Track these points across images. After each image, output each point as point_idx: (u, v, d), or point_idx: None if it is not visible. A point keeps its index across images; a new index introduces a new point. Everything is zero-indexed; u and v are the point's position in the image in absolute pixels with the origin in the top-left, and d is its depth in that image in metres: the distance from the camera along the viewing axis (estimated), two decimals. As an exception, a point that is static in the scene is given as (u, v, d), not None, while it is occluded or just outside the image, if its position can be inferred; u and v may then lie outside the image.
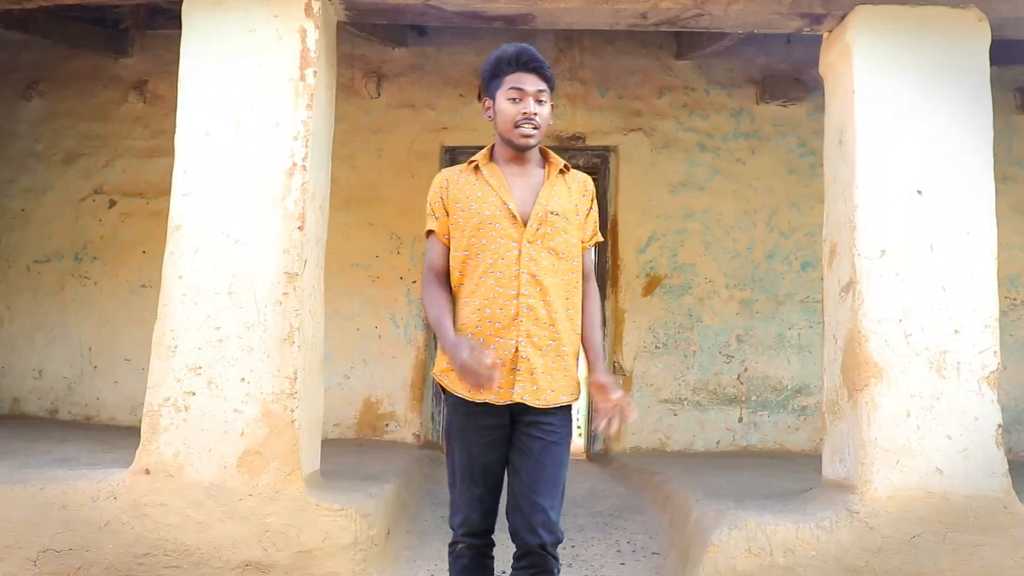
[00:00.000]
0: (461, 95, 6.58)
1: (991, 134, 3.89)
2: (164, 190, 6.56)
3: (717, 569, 3.60)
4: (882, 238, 3.78)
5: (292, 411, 3.72)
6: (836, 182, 4.06)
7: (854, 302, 3.79)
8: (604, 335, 2.87)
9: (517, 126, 2.71)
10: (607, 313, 6.39)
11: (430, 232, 2.84)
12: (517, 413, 2.69)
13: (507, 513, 2.70)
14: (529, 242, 2.68)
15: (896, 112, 3.85)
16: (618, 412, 2.64)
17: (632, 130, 6.56)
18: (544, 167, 2.84)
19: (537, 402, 2.64)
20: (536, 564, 2.63)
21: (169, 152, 6.53)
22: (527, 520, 2.63)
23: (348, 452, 5.34)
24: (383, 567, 3.84)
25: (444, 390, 2.78)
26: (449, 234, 2.80)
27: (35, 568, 3.74)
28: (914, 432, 3.66)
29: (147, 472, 3.77)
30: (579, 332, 2.79)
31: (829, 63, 4.18)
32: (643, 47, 6.63)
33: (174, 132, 6.50)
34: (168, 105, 6.68)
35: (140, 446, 3.81)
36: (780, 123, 6.56)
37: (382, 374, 6.33)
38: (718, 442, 6.31)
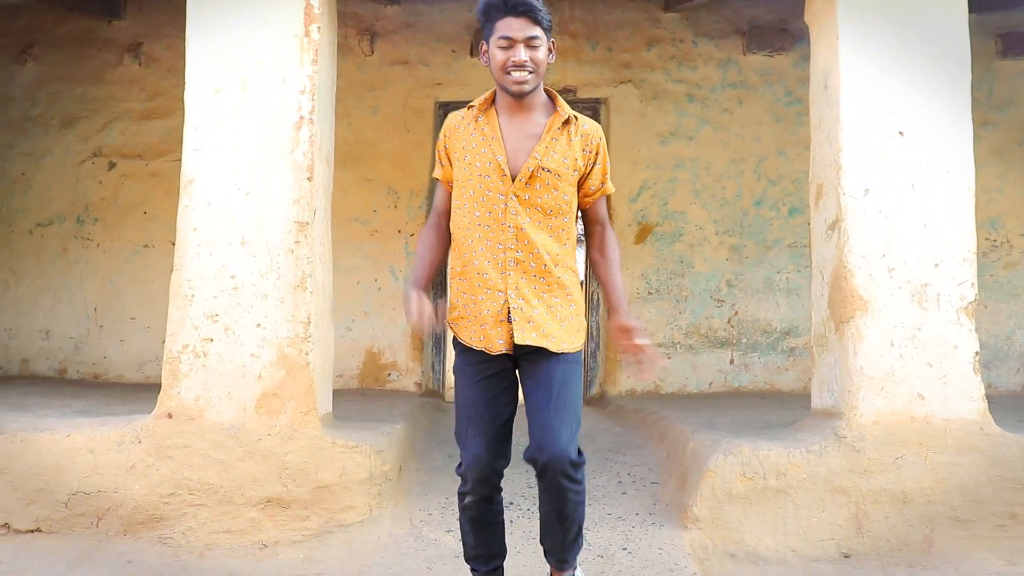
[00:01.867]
0: (454, 51, 6.69)
1: (969, 78, 4.05)
2: (163, 151, 6.78)
3: (714, 492, 3.82)
4: (866, 177, 3.96)
5: (307, 354, 3.90)
6: (822, 125, 4.23)
7: (839, 239, 3.98)
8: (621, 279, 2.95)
9: (507, 72, 2.68)
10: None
11: (436, 178, 2.96)
12: (520, 358, 2.78)
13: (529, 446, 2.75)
14: (516, 196, 2.71)
15: (879, 57, 4.01)
16: (649, 360, 2.76)
17: (622, 82, 6.69)
18: (548, 116, 2.79)
19: (546, 343, 2.71)
20: (550, 483, 2.71)
21: (166, 113, 6.78)
22: (537, 440, 2.70)
23: (354, 400, 5.54)
24: (397, 501, 4.04)
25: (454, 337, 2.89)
26: (452, 180, 2.88)
27: (66, 510, 3.94)
28: (897, 360, 3.87)
29: (169, 416, 3.94)
30: (578, 283, 2.85)
31: (814, 11, 4.32)
32: (631, 0, 6.75)
33: (170, 93, 6.72)
34: (163, 67, 6.84)
35: (162, 391, 3.98)
36: (767, 73, 6.71)
37: (383, 326, 6.51)
38: (710, 384, 6.53)
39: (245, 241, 3.94)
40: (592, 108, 6.73)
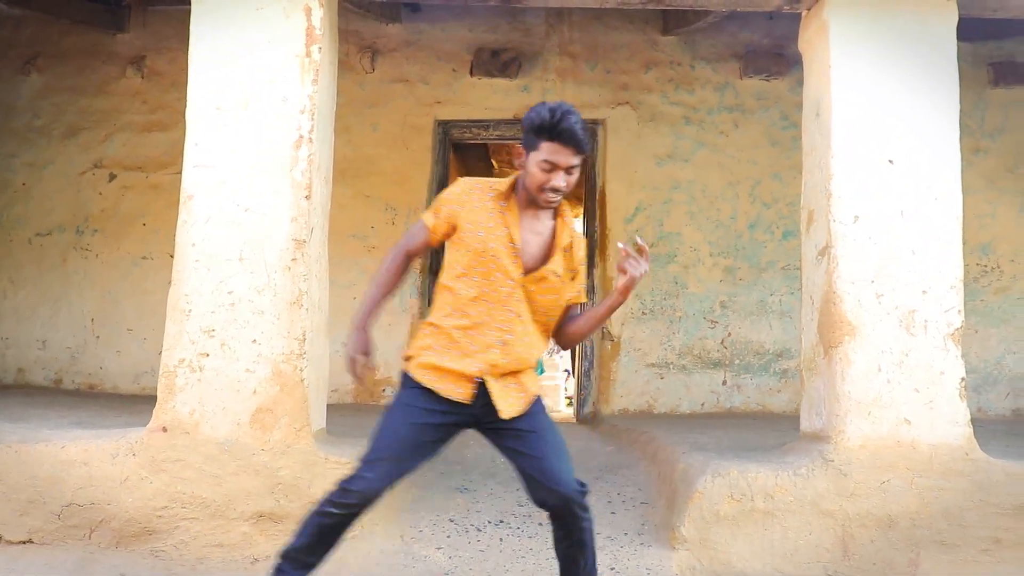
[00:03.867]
0: (454, 70, 6.77)
1: (957, 107, 4.12)
2: (163, 164, 6.84)
3: (701, 514, 3.86)
4: (856, 204, 4.02)
5: (301, 371, 3.94)
6: (813, 152, 4.29)
7: (829, 265, 4.03)
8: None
9: (543, 191, 2.77)
10: (596, 281, 6.65)
11: (425, 225, 2.94)
12: (485, 420, 2.85)
13: (529, 491, 2.85)
14: (523, 287, 2.82)
15: (869, 86, 4.08)
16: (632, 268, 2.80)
17: (620, 104, 6.77)
18: (555, 217, 2.91)
19: (516, 411, 2.82)
20: (564, 518, 2.83)
21: (167, 126, 6.84)
22: (546, 484, 2.79)
23: (348, 415, 5.57)
24: (388, 518, 4.07)
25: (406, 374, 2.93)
26: (444, 241, 2.93)
27: (59, 521, 3.96)
28: (884, 385, 3.92)
29: (164, 430, 3.98)
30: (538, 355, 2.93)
31: (808, 39, 4.39)
32: (630, 23, 6.83)
33: (172, 107, 6.79)
34: (166, 80, 6.91)
35: (157, 405, 4.01)
36: (763, 97, 6.78)
37: (378, 341, 6.44)
38: (703, 404, 6.57)
39: (243, 257, 3.98)
40: (590, 129, 6.80)
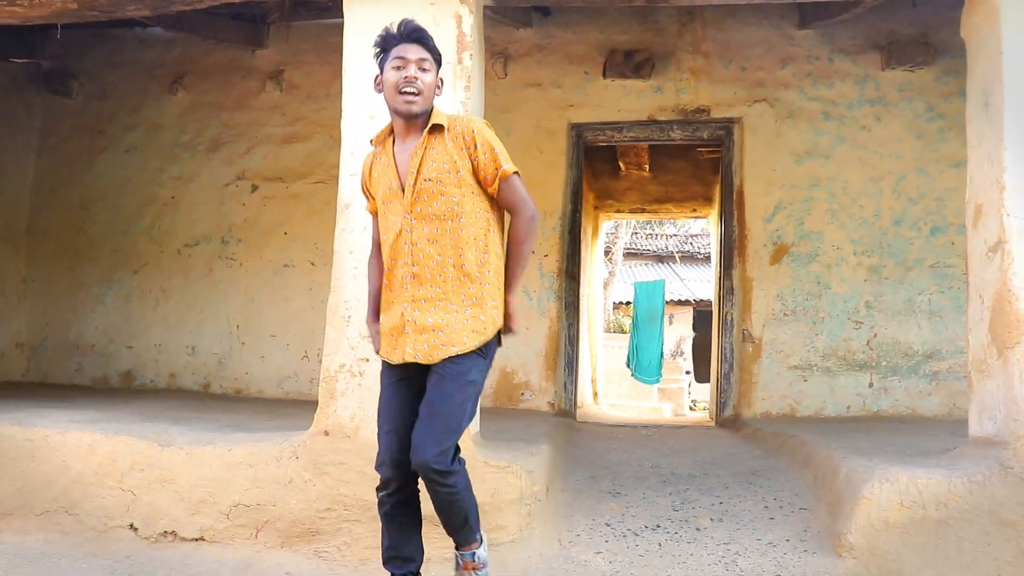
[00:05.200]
0: (586, 72, 6.75)
1: None
2: (302, 174, 7.04)
3: (870, 521, 3.73)
4: (1031, 198, 3.82)
5: (459, 375, 3.97)
6: (981, 144, 4.10)
7: (1003, 262, 3.84)
8: (523, 266, 3.08)
9: (400, 92, 2.91)
10: (735, 282, 6.53)
11: (367, 210, 3.24)
12: (423, 367, 2.96)
13: None
14: (409, 213, 2.91)
15: (1045, 73, 3.87)
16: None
17: (756, 101, 6.63)
18: (424, 132, 2.97)
19: (427, 359, 2.92)
20: (426, 482, 2.94)
21: (305, 138, 7.05)
22: (413, 446, 2.90)
23: (490, 419, 5.59)
24: (545, 521, 4.07)
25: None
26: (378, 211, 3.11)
27: (228, 520, 4.11)
28: (1068, 388, 3.71)
29: (326, 433, 4.07)
30: (489, 280, 2.97)
31: (973, 26, 4.20)
32: (765, 19, 6.68)
33: (309, 118, 6.98)
34: (303, 93, 7.12)
35: (318, 409, 4.11)
36: (906, 88, 6.53)
37: (516, 345, 6.57)
38: (848, 407, 6.36)
39: (399, 264, 4.04)
40: (726, 128, 6.68)
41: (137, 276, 7.35)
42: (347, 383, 4.06)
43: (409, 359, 2.94)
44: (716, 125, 6.66)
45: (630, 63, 6.57)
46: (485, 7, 4.61)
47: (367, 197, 3.20)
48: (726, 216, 6.76)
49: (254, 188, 7.21)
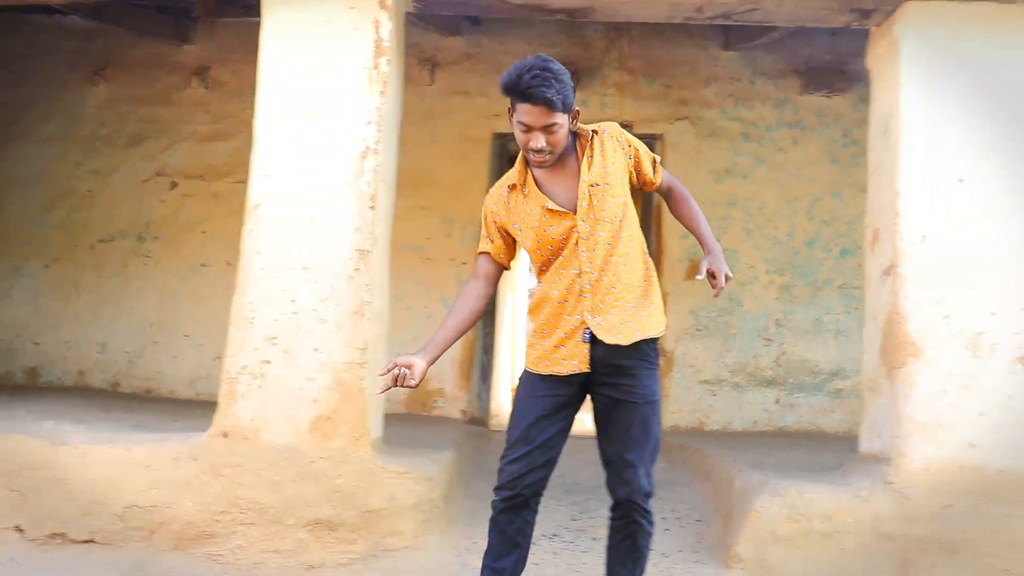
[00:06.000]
0: (512, 83, 6.78)
1: (1031, 126, 4.05)
2: (224, 173, 6.95)
3: (758, 534, 3.82)
4: (923, 223, 3.96)
5: (362, 380, 3.97)
6: (880, 170, 4.24)
7: (895, 284, 3.97)
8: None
9: (528, 152, 2.74)
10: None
11: (482, 252, 2.97)
12: (593, 381, 2.83)
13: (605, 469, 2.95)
14: (584, 221, 2.75)
15: (940, 104, 4.02)
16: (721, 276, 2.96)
17: (678, 119, 6.74)
18: (575, 150, 2.83)
19: (619, 339, 2.75)
20: (626, 515, 2.90)
21: (229, 136, 6.95)
22: (617, 475, 2.88)
23: (400, 425, 5.57)
24: (442, 528, 4.08)
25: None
26: (503, 253, 2.95)
27: (121, 523, 4.03)
28: (949, 408, 3.85)
29: (225, 435, 4.03)
30: (639, 274, 2.85)
31: (876, 56, 4.34)
32: (691, 38, 6.80)
33: (234, 117, 6.89)
34: (229, 91, 7.02)
35: (218, 410, 4.07)
36: (823, 113, 6.71)
37: (432, 352, 6.55)
38: (755, 422, 6.49)
39: (307, 266, 4.03)
40: (648, 143, 6.75)
41: (48, 270, 7.16)
42: (248, 385, 4.03)
43: (611, 341, 2.75)
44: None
45: (556, 76, 6.61)
46: (408, 13, 4.61)
47: (491, 239, 2.94)
48: (645, 231, 6.83)
49: (174, 185, 7.09)
